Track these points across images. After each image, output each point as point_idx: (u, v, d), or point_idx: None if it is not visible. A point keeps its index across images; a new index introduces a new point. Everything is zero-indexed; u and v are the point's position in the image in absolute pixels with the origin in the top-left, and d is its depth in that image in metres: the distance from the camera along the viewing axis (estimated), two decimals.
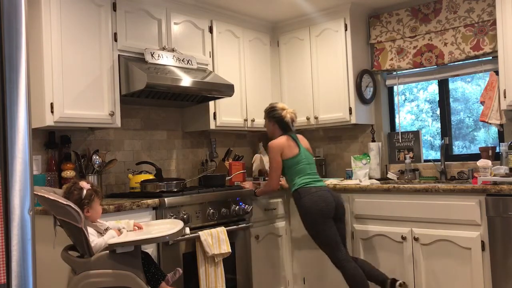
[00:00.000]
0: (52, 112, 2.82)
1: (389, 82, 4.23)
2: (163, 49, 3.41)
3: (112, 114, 3.12)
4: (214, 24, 3.84)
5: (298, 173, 3.29)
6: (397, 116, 4.25)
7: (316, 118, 4.15)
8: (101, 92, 3.09)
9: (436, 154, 4.11)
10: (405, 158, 3.96)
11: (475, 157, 3.59)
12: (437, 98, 4.05)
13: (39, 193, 2.12)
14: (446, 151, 3.84)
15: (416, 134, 4.03)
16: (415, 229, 3.25)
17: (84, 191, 2.30)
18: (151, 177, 3.40)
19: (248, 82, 4.11)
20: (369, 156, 4.00)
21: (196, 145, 4.08)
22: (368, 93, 4.07)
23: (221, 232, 3.10)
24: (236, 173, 3.72)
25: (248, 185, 3.59)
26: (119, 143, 3.55)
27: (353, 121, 3.96)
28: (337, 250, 3.15)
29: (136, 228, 2.49)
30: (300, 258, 3.77)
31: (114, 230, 2.36)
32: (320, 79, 4.14)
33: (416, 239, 3.23)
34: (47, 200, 2.12)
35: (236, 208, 3.34)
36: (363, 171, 3.88)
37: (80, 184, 2.33)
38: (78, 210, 2.12)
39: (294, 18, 4.26)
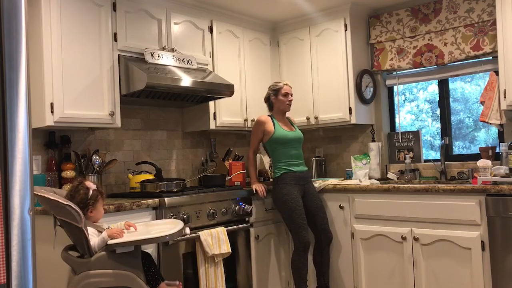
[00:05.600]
0: (52, 112, 2.82)
1: (389, 82, 4.23)
2: (163, 49, 3.41)
3: (112, 114, 3.12)
4: (214, 24, 3.84)
5: None
6: (397, 116, 4.25)
7: (316, 118, 4.15)
8: (101, 92, 3.09)
9: (436, 154, 4.11)
10: (405, 158, 3.96)
11: (475, 157, 3.59)
12: (437, 98, 4.05)
13: (39, 193, 2.12)
14: (446, 151, 3.84)
15: (416, 134, 4.03)
16: (415, 229, 3.25)
17: (91, 191, 2.31)
18: (151, 177, 3.40)
19: (248, 82, 4.11)
20: (369, 156, 4.00)
21: (196, 145, 4.08)
22: (368, 93, 4.07)
23: (221, 232, 3.10)
24: (236, 173, 3.72)
25: (259, 188, 3.54)
26: (119, 143, 3.55)
27: (353, 121, 3.96)
28: None
29: (128, 226, 2.47)
30: None
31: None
32: (320, 79, 4.14)
33: (416, 239, 3.23)
34: (48, 200, 2.13)
35: (236, 208, 3.34)
36: (363, 171, 3.88)
37: (87, 184, 2.34)
38: (78, 210, 2.12)
39: (294, 18, 4.26)
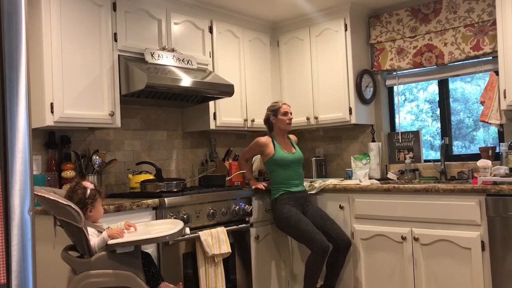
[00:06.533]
0: (52, 112, 2.82)
1: (389, 82, 4.23)
2: (163, 49, 3.41)
3: (112, 114, 3.12)
4: (214, 24, 3.84)
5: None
6: (397, 116, 4.25)
7: (316, 118, 4.15)
8: (101, 92, 3.09)
9: (436, 154, 4.11)
10: (405, 158, 3.96)
11: (475, 157, 3.59)
12: (437, 98, 4.05)
13: (39, 193, 2.12)
14: (446, 151, 3.84)
15: (416, 134, 4.03)
16: (415, 229, 3.25)
17: (88, 191, 2.31)
18: (151, 177, 3.40)
19: (248, 82, 4.11)
20: (369, 156, 4.00)
21: (196, 145, 4.08)
22: (368, 93, 4.07)
23: (221, 232, 3.10)
24: (236, 173, 3.72)
25: (260, 185, 3.61)
26: (119, 143, 3.55)
27: (353, 121, 3.95)
28: None
29: (128, 226, 2.47)
30: (300, 258, 3.76)
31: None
32: (320, 79, 4.14)
33: (416, 239, 3.23)
34: (47, 200, 2.13)
35: (236, 208, 3.34)
36: (363, 171, 3.88)
37: (84, 184, 2.34)
38: (78, 210, 2.12)
39: (294, 18, 4.26)
